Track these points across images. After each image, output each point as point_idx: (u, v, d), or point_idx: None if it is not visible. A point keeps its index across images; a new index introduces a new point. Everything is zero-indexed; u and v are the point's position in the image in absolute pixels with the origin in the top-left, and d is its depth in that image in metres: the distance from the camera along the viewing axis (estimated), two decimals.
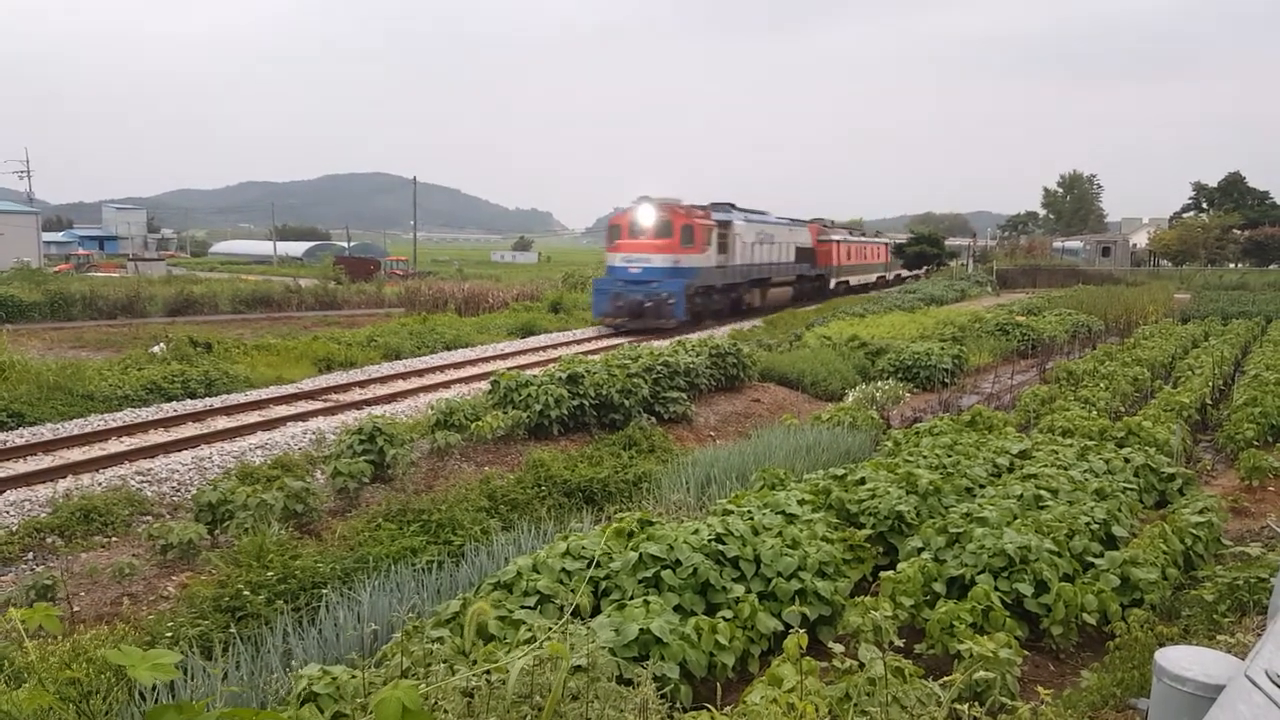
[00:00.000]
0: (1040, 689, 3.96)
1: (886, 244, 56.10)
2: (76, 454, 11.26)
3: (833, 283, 42.47)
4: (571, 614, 5.02)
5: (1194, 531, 7.50)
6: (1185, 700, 2.61)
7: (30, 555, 8.09)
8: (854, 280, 46.54)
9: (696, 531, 6.66)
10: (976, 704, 3.72)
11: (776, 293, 34.82)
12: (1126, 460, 9.96)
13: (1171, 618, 6.24)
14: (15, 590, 7.11)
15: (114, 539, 8.56)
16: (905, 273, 62.50)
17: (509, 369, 14.83)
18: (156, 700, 4.88)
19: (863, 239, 50.31)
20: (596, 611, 5.74)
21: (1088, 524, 7.55)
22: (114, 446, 11.66)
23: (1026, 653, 5.77)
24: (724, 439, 13.92)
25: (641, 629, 5.12)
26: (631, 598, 5.79)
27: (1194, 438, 13.28)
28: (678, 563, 6.18)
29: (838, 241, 43.38)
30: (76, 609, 6.95)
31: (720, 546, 6.52)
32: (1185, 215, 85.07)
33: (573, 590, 5.91)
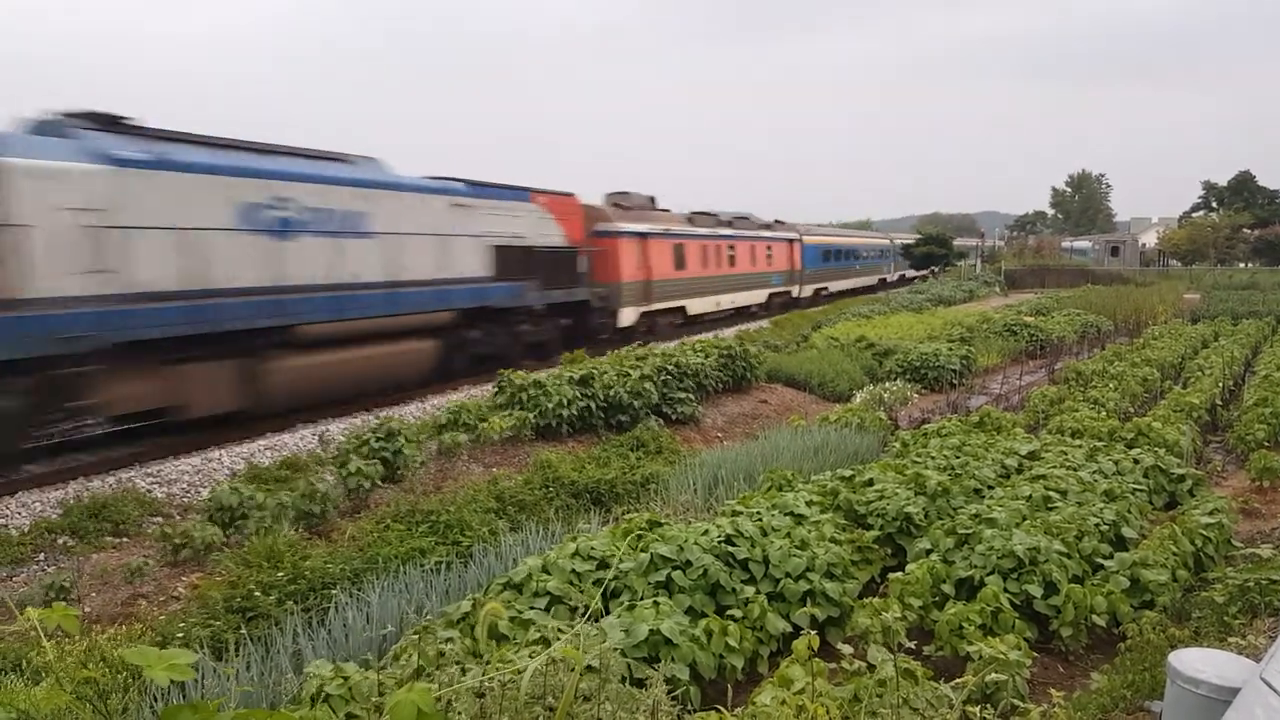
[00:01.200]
0: (1051, 691, 3.95)
1: (792, 240, 36.09)
2: (85, 455, 11.31)
3: (628, 315, 22.89)
4: (585, 616, 5.03)
5: (1204, 533, 7.46)
6: (1199, 703, 2.61)
7: (42, 556, 8.13)
8: (701, 306, 27.51)
9: (706, 533, 6.67)
10: (988, 706, 3.71)
11: (349, 362, 13.76)
12: (1136, 461, 9.93)
13: (1182, 620, 6.21)
14: (29, 590, 7.15)
15: (125, 540, 8.60)
16: (868, 280, 47.04)
17: None
18: (169, 700, 4.90)
19: (727, 233, 29.64)
20: (606, 612, 5.75)
21: (1097, 525, 7.53)
22: (123, 448, 11.71)
23: (1036, 654, 5.76)
24: (731, 440, 13.92)
25: (651, 630, 5.13)
26: (641, 598, 5.80)
27: (1204, 439, 13.22)
28: (688, 564, 6.18)
29: (644, 236, 23.77)
30: (89, 609, 6.98)
31: (729, 548, 6.53)
32: (1195, 215, 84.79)
33: (582, 591, 5.92)
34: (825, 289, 40.40)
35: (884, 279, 50.50)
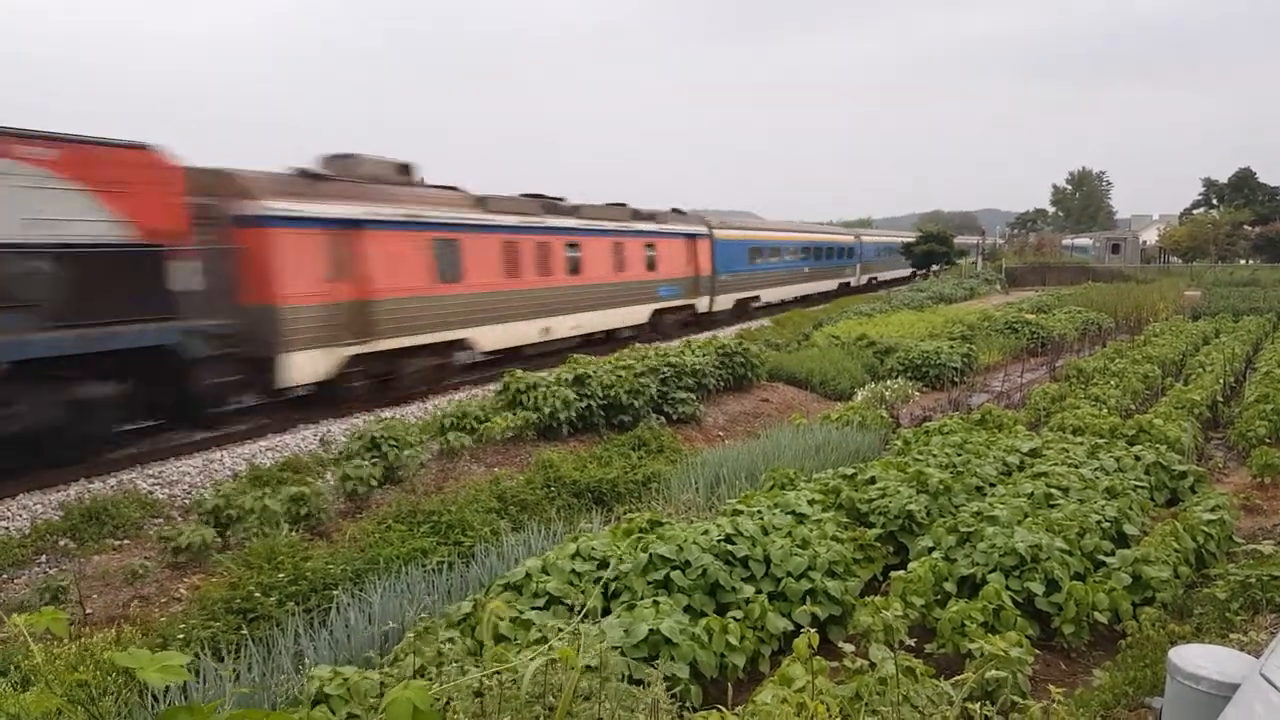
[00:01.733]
0: (1052, 688, 3.95)
1: (695, 235, 27.18)
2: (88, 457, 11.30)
3: (310, 364, 13.39)
4: (581, 614, 5.03)
5: (1206, 529, 7.46)
6: (1199, 699, 2.60)
7: (43, 558, 8.14)
8: (508, 336, 18.59)
9: (706, 532, 6.66)
10: (988, 703, 3.71)
11: None
12: (1137, 458, 9.92)
13: (1184, 616, 6.21)
14: (28, 593, 7.15)
15: (126, 541, 8.61)
16: (823, 285, 38.32)
17: None
18: (169, 702, 4.90)
19: (563, 226, 20.81)
20: (606, 612, 5.74)
21: (1099, 522, 7.52)
22: (124, 449, 11.69)
23: (1038, 652, 5.76)
24: (733, 439, 13.92)
25: (651, 629, 5.13)
26: (641, 598, 5.79)
27: (1205, 435, 13.21)
28: (687, 563, 6.18)
29: (352, 225, 14.42)
30: (89, 611, 6.99)
31: (730, 547, 6.52)
32: (1196, 212, 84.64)
33: (582, 591, 5.91)
34: (755, 299, 31.49)
35: (847, 283, 43.21)
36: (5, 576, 7.70)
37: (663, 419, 13.86)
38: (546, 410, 12.59)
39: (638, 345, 16.86)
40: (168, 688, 4.89)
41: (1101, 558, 6.97)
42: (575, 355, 15.08)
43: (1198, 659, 2.72)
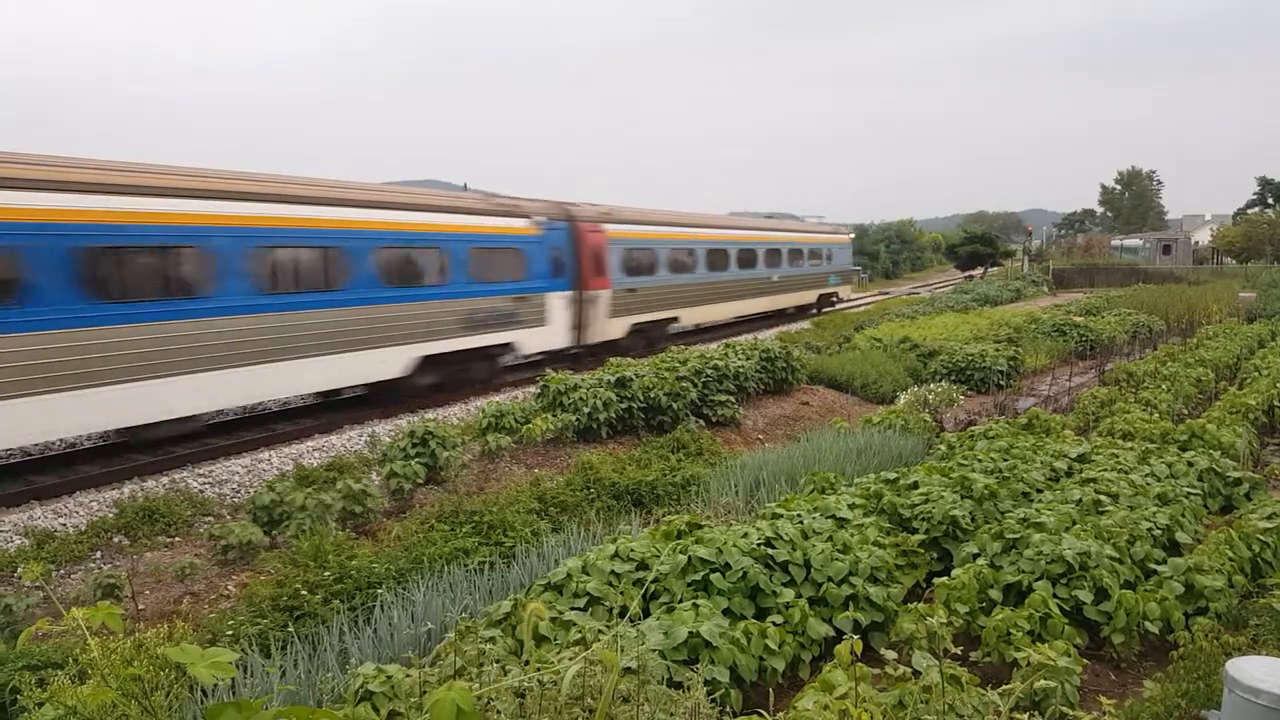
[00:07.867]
0: (1102, 699, 3.86)
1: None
2: (142, 457, 11.60)
3: None
4: (620, 616, 5.03)
5: (1262, 538, 7.24)
6: (1259, 713, 2.53)
7: (98, 554, 8.37)
8: None
9: (745, 535, 6.63)
10: (1035, 713, 3.64)
11: None
12: (1190, 464, 9.67)
13: (1238, 627, 6.04)
14: (84, 588, 7.35)
15: (177, 539, 8.82)
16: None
17: None
18: (218, 697, 5.01)
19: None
20: (645, 614, 5.74)
21: (1150, 529, 7.35)
22: (175, 450, 11.99)
23: (1086, 661, 5.64)
24: (772, 442, 13.84)
25: (691, 632, 5.11)
26: (680, 601, 5.78)
27: (1261, 440, 12.84)
28: (727, 566, 6.15)
29: None
30: (141, 607, 7.16)
31: (770, 550, 6.48)
32: (1250, 211, 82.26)
33: (621, 592, 5.92)
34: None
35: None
36: (63, 572, 7.92)
37: (702, 421, 13.83)
38: (585, 411, 12.62)
39: (674, 348, 16.87)
40: (216, 684, 4.98)
41: (1152, 566, 6.81)
42: (613, 359, 15.12)
43: (1257, 672, 2.65)
